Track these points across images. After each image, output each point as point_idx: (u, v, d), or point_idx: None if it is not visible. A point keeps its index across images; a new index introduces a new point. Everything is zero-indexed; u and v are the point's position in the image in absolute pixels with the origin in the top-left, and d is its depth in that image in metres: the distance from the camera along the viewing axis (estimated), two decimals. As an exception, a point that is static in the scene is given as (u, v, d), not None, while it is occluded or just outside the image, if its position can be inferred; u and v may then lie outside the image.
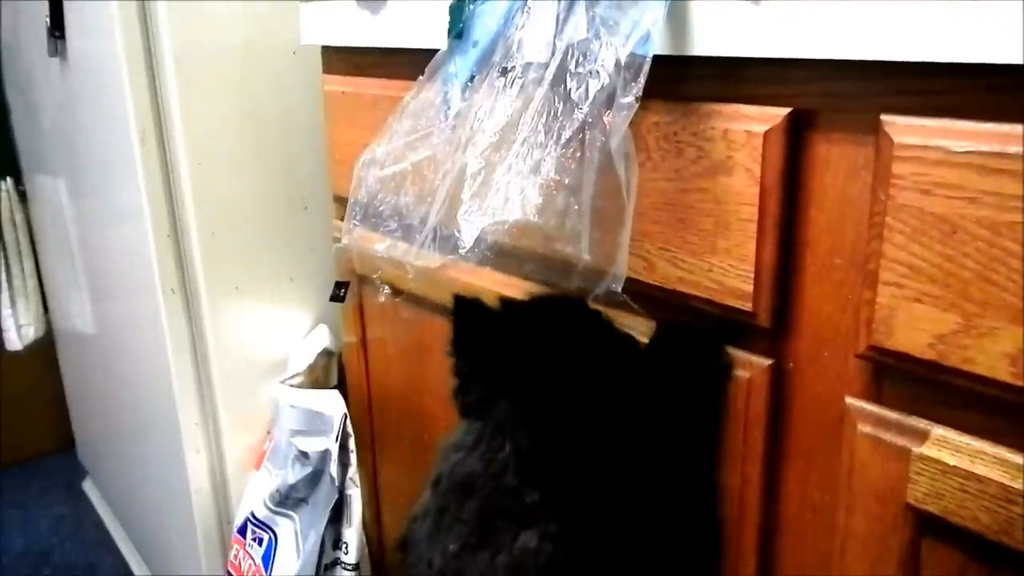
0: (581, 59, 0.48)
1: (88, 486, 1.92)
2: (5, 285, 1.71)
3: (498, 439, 0.59)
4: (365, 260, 0.59)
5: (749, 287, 0.55)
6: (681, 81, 0.56)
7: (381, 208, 0.57)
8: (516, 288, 0.74)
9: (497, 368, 0.60)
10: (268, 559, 0.93)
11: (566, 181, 0.52)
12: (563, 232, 0.54)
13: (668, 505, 0.60)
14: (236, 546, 1.03)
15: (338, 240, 0.99)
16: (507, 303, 0.63)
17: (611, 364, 0.61)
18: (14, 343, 1.74)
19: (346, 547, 0.97)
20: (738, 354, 0.58)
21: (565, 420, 0.58)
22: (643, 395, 0.60)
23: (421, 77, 0.57)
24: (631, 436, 0.59)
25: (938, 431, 0.47)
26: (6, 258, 1.71)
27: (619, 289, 0.54)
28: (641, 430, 0.59)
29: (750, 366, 0.57)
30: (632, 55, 0.50)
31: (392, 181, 0.55)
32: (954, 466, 0.46)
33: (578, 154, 0.49)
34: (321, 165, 1.06)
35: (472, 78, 0.53)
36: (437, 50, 0.67)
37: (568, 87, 0.48)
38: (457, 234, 0.49)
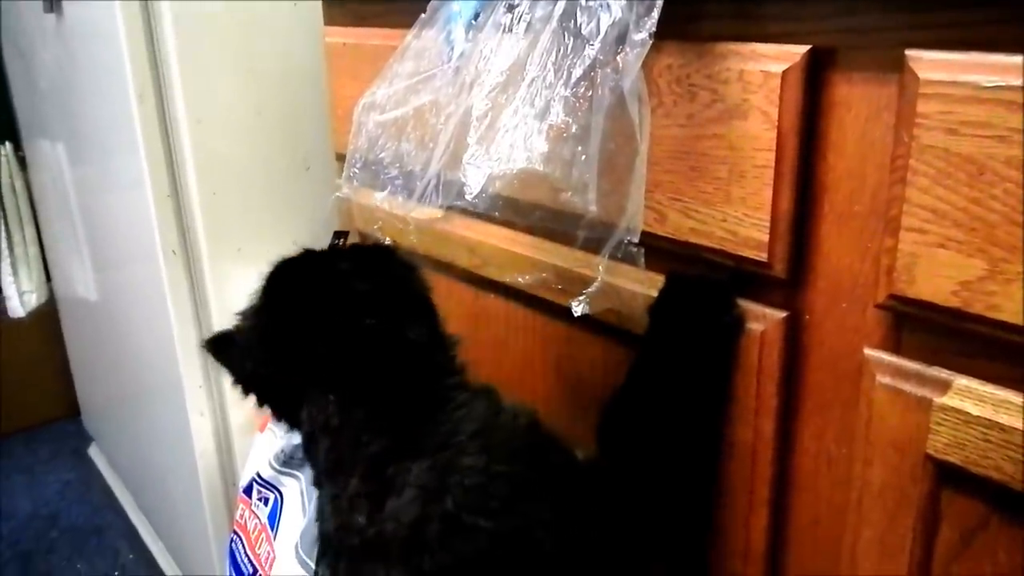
0: (592, -7, 0.46)
1: (94, 451, 1.93)
2: (6, 252, 1.71)
3: (352, 400, 0.58)
4: (365, 212, 0.58)
5: (764, 236, 0.53)
6: (694, 20, 0.54)
7: (382, 155, 0.55)
8: (521, 243, 0.73)
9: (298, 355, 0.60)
10: (274, 518, 0.92)
11: (574, 127, 0.50)
12: (569, 182, 0.52)
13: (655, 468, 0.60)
14: (242, 506, 1.03)
15: (339, 198, 0.97)
16: (262, 287, 0.63)
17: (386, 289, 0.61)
18: (17, 310, 1.73)
19: (352, 507, 0.96)
20: (752, 307, 0.56)
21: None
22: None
23: (423, 15, 0.55)
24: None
25: (961, 381, 0.46)
26: (7, 225, 1.70)
27: (636, 241, 0.52)
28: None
29: (764, 318, 0.55)
30: (644, -8, 0.48)
31: (393, 126, 0.53)
32: (977, 416, 0.44)
33: (589, 94, 0.47)
34: (323, 124, 1.04)
35: (476, 16, 0.51)
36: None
37: (578, 23, 0.46)
38: (463, 180, 0.47)
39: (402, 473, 0.55)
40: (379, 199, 0.54)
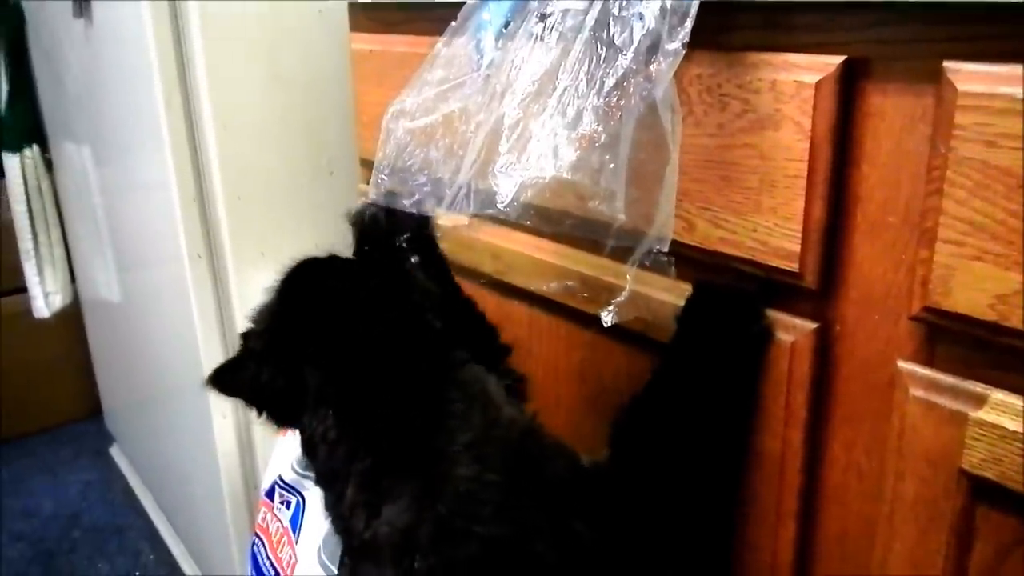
0: (624, 3, 0.46)
1: (115, 452, 1.95)
2: (32, 254, 1.72)
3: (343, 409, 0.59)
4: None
5: (796, 247, 0.52)
6: (726, 30, 0.53)
7: (410, 162, 0.55)
8: (545, 249, 0.73)
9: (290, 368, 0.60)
10: (296, 521, 0.92)
11: (603, 136, 0.49)
12: (598, 190, 0.52)
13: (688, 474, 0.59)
14: (264, 509, 1.03)
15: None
16: (274, 289, 0.64)
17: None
18: (42, 311, 1.75)
19: (373, 512, 0.96)
20: (782, 317, 0.56)
21: (361, 362, 0.59)
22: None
23: (453, 23, 0.55)
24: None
25: (997, 395, 0.45)
26: (33, 227, 1.71)
27: (665, 250, 0.52)
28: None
29: (795, 329, 0.55)
30: (676, 2, 0.48)
31: (422, 133, 0.54)
32: (1014, 431, 0.44)
33: (621, 103, 0.47)
34: (347, 129, 1.05)
35: (507, 25, 0.51)
36: (467, 2, 0.65)
37: (611, 32, 0.46)
38: (494, 188, 0.47)
39: (397, 484, 0.56)
40: (407, 205, 0.55)
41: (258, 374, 0.61)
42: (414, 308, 0.63)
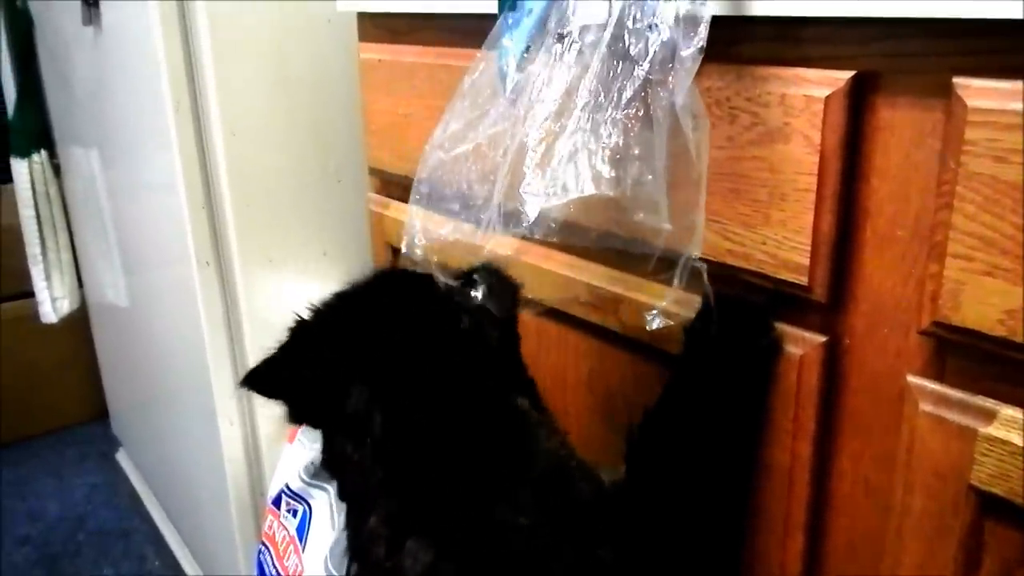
0: (639, 15, 0.46)
1: (121, 456, 1.95)
2: (40, 259, 1.73)
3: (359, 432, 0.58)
4: (429, 247, 0.57)
5: (805, 260, 0.53)
6: (736, 43, 0.53)
7: (445, 191, 0.56)
8: (555, 260, 0.73)
9: (327, 379, 0.59)
10: (303, 530, 0.93)
11: (636, 148, 0.49)
12: (639, 202, 0.51)
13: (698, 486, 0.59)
14: (270, 517, 1.03)
15: (372, 212, 0.98)
16: (340, 293, 0.62)
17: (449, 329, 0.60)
18: (49, 316, 1.75)
19: (380, 520, 0.96)
20: (791, 330, 0.56)
21: (415, 394, 0.57)
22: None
23: (478, 53, 0.56)
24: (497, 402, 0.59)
25: (1007, 411, 0.45)
26: (41, 232, 1.72)
27: (697, 257, 0.52)
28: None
29: (803, 342, 0.55)
30: (691, 9, 0.48)
31: (455, 163, 0.54)
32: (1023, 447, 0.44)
33: (640, 113, 0.47)
34: (355, 137, 1.05)
35: (528, 48, 0.52)
36: (476, 14, 0.65)
37: (627, 44, 0.46)
38: (521, 208, 0.48)
39: (426, 522, 0.56)
40: (444, 233, 0.55)
41: (301, 377, 0.59)
42: (482, 353, 0.61)
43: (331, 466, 0.62)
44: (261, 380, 0.60)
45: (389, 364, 0.58)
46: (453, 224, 0.53)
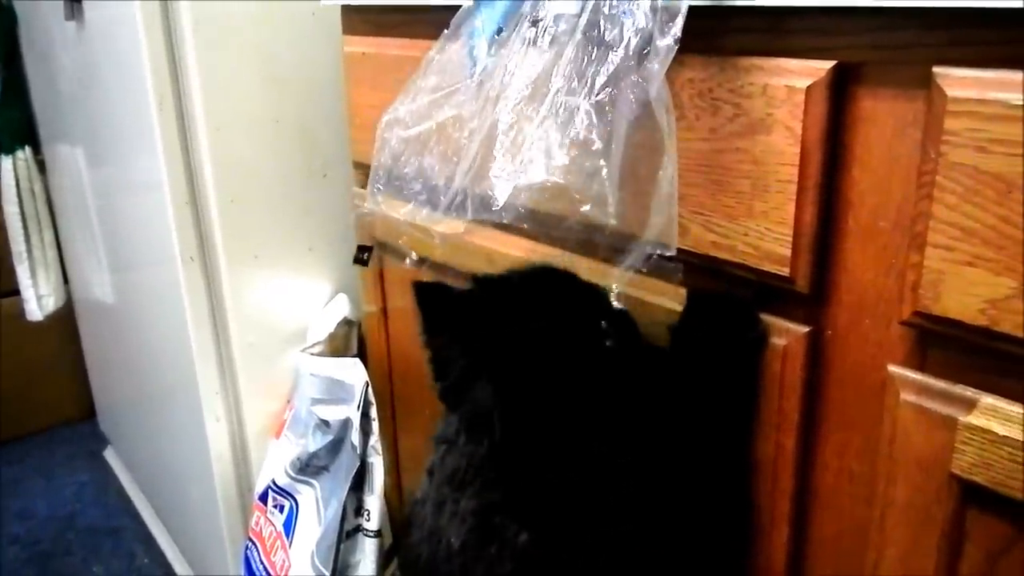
0: (615, 2, 0.46)
1: (110, 454, 1.94)
2: (25, 256, 1.72)
3: (476, 431, 0.56)
4: (389, 226, 0.57)
5: (787, 251, 0.53)
6: (718, 34, 0.53)
7: (406, 170, 0.55)
8: (540, 253, 0.73)
9: (472, 350, 0.56)
10: (290, 526, 0.92)
11: (596, 139, 0.49)
12: (589, 194, 0.51)
13: (693, 484, 0.59)
14: (257, 513, 1.03)
15: (359, 206, 0.97)
16: (482, 279, 0.59)
17: (601, 337, 0.57)
18: (35, 314, 1.74)
19: (368, 514, 0.96)
20: (774, 321, 0.56)
21: (546, 405, 0.54)
22: (655, 373, 0.58)
23: (446, 31, 0.55)
24: (631, 416, 0.56)
25: (987, 400, 0.45)
26: (26, 229, 1.70)
27: (671, 254, 0.52)
28: (645, 410, 0.57)
29: (786, 333, 0.55)
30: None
31: (417, 141, 0.53)
32: (1004, 436, 0.44)
33: (610, 103, 0.47)
34: (341, 132, 1.04)
35: (499, 31, 0.51)
36: (461, 7, 0.64)
37: (602, 31, 0.46)
38: (490, 192, 0.47)
39: (508, 527, 0.55)
40: (403, 213, 0.54)
41: (447, 340, 0.57)
42: (620, 394, 0.58)
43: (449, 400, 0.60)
44: (430, 299, 0.57)
45: (522, 371, 0.55)
46: (413, 205, 0.53)
